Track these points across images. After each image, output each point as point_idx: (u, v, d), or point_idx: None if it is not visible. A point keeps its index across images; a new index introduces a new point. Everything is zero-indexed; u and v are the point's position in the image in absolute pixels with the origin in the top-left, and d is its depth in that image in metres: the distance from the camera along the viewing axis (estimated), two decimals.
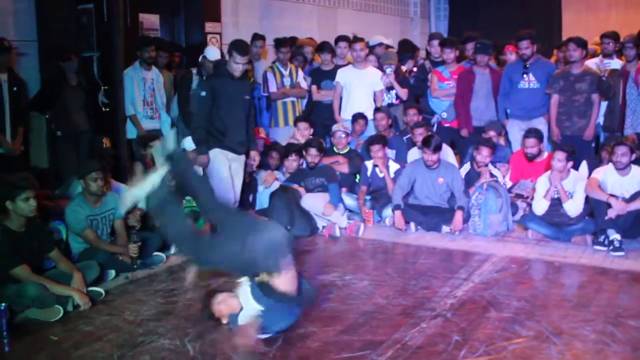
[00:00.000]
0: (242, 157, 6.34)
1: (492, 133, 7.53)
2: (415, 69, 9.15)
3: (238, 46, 6.02)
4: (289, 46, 8.41)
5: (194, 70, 7.69)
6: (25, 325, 4.53)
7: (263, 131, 7.83)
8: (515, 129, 7.80)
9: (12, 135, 6.57)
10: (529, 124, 7.57)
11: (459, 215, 6.67)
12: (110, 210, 5.73)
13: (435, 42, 8.79)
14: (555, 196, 6.39)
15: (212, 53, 7.59)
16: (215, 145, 6.15)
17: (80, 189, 5.78)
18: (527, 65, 7.72)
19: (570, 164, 6.39)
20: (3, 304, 4.25)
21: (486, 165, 6.97)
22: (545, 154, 7.18)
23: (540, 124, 7.65)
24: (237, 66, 5.98)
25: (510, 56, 8.39)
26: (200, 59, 7.60)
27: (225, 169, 6.14)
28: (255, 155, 6.56)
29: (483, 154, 6.94)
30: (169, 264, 5.85)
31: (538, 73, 7.71)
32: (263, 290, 4.15)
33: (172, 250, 6.13)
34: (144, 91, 7.58)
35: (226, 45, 8.94)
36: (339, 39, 8.57)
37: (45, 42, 7.22)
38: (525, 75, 7.75)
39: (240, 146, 6.25)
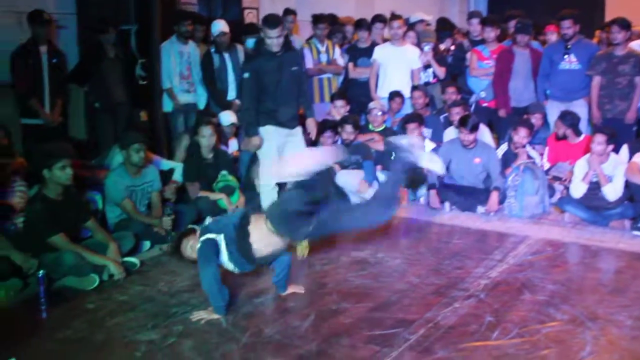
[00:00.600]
0: (298, 130, 6.20)
1: (537, 116, 7.43)
2: (452, 48, 9.03)
3: (267, 20, 5.90)
4: (326, 22, 8.35)
5: (212, 49, 7.68)
6: (62, 292, 4.61)
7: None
8: (555, 111, 7.66)
9: (51, 107, 6.64)
10: (569, 105, 7.43)
11: (494, 196, 6.60)
12: (148, 182, 5.79)
13: (475, 21, 8.65)
14: (594, 179, 6.28)
15: (217, 26, 7.61)
16: (266, 122, 5.99)
17: (120, 160, 5.84)
18: (569, 46, 7.56)
19: (611, 147, 6.26)
20: (41, 272, 4.32)
21: (524, 147, 6.87)
22: (582, 136, 7.05)
23: (580, 106, 7.50)
24: (272, 41, 5.87)
25: (552, 36, 8.23)
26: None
27: (274, 147, 6.00)
28: (311, 123, 6.37)
29: (521, 135, 6.83)
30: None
31: (580, 54, 7.54)
32: (240, 250, 4.07)
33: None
34: (181, 65, 7.61)
35: None
36: (375, 19, 8.47)
37: (84, 14, 7.28)
38: (566, 56, 7.59)
39: (292, 121, 6.11)
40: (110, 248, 4.93)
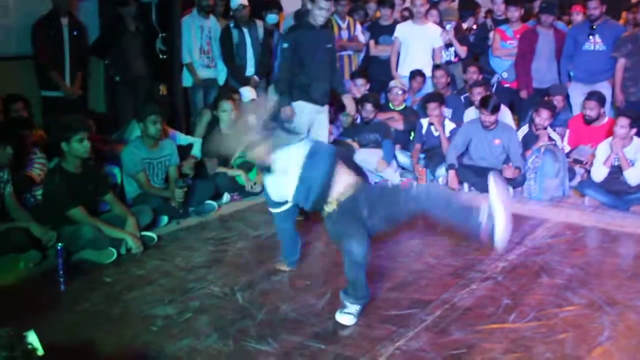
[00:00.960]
0: (326, 108, 6.23)
1: (558, 98, 7.34)
2: (474, 27, 8.93)
3: None
4: None
5: (232, 23, 7.64)
6: (80, 265, 4.64)
7: None
8: (578, 93, 7.56)
9: (71, 79, 6.65)
10: (593, 87, 7.32)
11: (513, 169, 6.54)
12: (166, 156, 5.79)
13: (499, 0, 8.54)
14: (616, 163, 6.21)
15: (235, 2, 7.56)
16: (299, 97, 6.05)
17: (138, 133, 5.84)
18: (594, 26, 7.45)
19: (634, 131, 6.18)
20: (60, 244, 4.34)
21: (545, 129, 6.80)
22: (606, 119, 6.96)
23: (604, 88, 7.39)
24: (321, 12, 5.81)
25: (577, 17, 8.11)
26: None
27: (305, 122, 6.03)
28: (347, 100, 6.42)
29: (542, 117, 6.75)
30: (220, 213, 5.90)
31: (605, 35, 7.43)
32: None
33: (224, 199, 6.19)
34: (201, 39, 7.57)
35: None
36: None
37: None
38: (591, 37, 7.48)
39: (323, 97, 6.14)
40: (129, 222, 4.94)
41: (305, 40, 5.91)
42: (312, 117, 6.05)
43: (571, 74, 7.77)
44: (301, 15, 6.25)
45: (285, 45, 5.97)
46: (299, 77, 5.98)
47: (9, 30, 6.58)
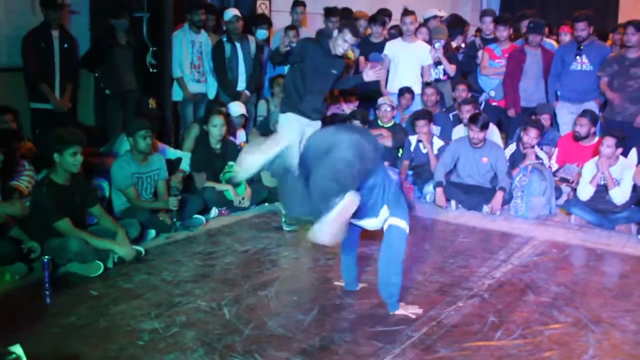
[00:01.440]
0: (318, 123, 6.26)
1: (545, 116, 7.40)
2: (463, 45, 9.00)
3: (353, 26, 5.98)
4: (338, 16, 8.33)
5: (224, 37, 7.68)
6: (67, 278, 4.62)
7: None
8: (565, 112, 7.64)
9: (61, 91, 6.64)
10: (580, 107, 7.40)
11: (499, 196, 6.59)
12: (155, 170, 5.79)
13: (488, 19, 8.62)
14: (602, 182, 6.26)
15: (230, 12, 7.65)
16: (288, 109, 6.17)
17: (127, 147, 5.84)
18: (582, 47, 7.53)
19: (620, 150, 6.24)
20: (46, 257, 4.33)
21: (532, 147, 6.85)
22: (596, 139, 7.01)
23: (591, 107, 7.46)
24: (344, 44, 5.92)
25: (565, 37, 8.20)
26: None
27: (295, 134, 6.05)
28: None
29: (530, 135, 6.81)
30: (208, 227, 5.90)
31: (592, 56, 7.51)
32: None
33: (212, 213, 6.19)
34: (192, 54, 7.59)
35: (276, 12, 9.01)
36: (381, 12, 8.51)
37: (96, 0, 7.26)
38: (578, 57, 7.57)
39: (315, 113, 6.19)
40: (119, 234, 4.94)
41: (314, 55, 5.98)
42: (302, 129, 6.09)
43: (558, 93, 7.84)
44: (322, 34, 6.36)
45: (294, 45, 6.07)
46: (296, 86, 6.08)
47: None
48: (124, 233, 4.98)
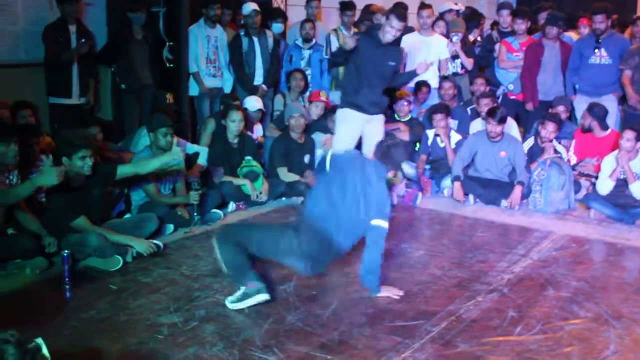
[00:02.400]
0: (377, 117, 6.29)
1: (561, 109, 7.33)
2: (479, 39, 8.95)
3: (397, 11, 5.98)
4: (354, 10, 8.31)
5: (242, 32, 7.67)
6: (87, 272, 4.64)
7: (324, 94, 7.75)
8: (583, 106, 7.56)
9: (80, 86, 6.66)
10: (599, 101, 7.32)
11: (518, 191, 6.55)
12: (174, 166, 5.77)
13: (506, 12, 8.56)
14: (622, 177, 6.21)
15: (249, 6, 7.64)
16: (346, 105, 6.24)
17: (145, 143, 5.85)
18: (600, 40, 7.46)
19: None
20: (66, 252, 4.35)
21: (551, 141, 6.80)
22: (609, 131, 6.96)
23: (610, 101, 7.40)
24: (391, 30, 5.91)
25: (585, 30, 8.13)
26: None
27: (352, 129, 6.21)
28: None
29: (549, 130, 6.76)
30: (226, 222, 5.90)
31: (611, 49, 7.44)
32: None
33: (230, 208, 6.20)
34: (208, 49, 7.61)
35: (292, 7, 9.00)
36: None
37: None
38: (597, 51, 7.50)
39: (372, 107, 6.21)
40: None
41: (366, 49, 6.02)
42: (361, 124, 6.18)
43: (577, 87, 7.77)
44: (374, 27, 6.37)
45: (354, 40, 6.13)
46: (353, 82, 6.15)
47: (17, 37, 6.61)
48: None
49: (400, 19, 5.87)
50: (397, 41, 6.32)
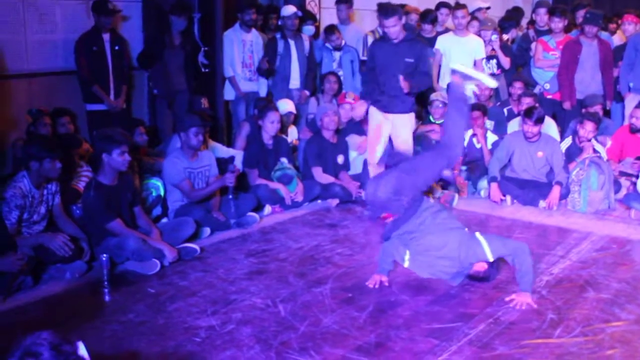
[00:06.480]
0: (403, 116, 6.29)
1: (597, 108, 7.22)
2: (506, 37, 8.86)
3: (379, 9, 6.11)
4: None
5: (278, 35, 7.70)
6: (124, 276, 4.70)
7: (350, 95, 7.67)
8: (634, 104, 7.33)
9: (115, 92, 6.75)
10: None
11: (556, 191, 6.46)
12: (205, 166, 5.83)
13: (542, 10, 8.46)
14: None
15: (289, 9, 7.66)
16: (373, 104, 6.34)
17: (178, 145, 5.90)
18: None
19: None
20: (105, 255, 4.41)
21: (589, 140, 6.70)
22: None
23: None
24: (387, 30, 6.02)
25: (629, 26, 7.98)
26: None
27: (375, 126, 6.30)
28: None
29: (587, 129, 6.66)
30: (261, 225, 5.92)
31: None
32: None
33: (265, 211, 6.22)
34: (243, 53, 7.65)
35: (325, 9, 9.02)
36: (440, 5, 8.40)
37: (149, 2, 7.35)
38: None
39: (393, 106, 6.22)
40: (153, 233, 5.01)
41: (380, 52, 6.17)
42: (386, 123, 6.26)
43: (630, 85, 7.61)
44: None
45: (366, 55, 6.31)
46: (378, 84, 6.25)
47: (56, 45, 6.72)
48: (159, 234, 5.04)
49: (382, 14, 5.96)
50: (415, 37, 6.43)
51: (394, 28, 5.97)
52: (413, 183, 4.32)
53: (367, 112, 6.58)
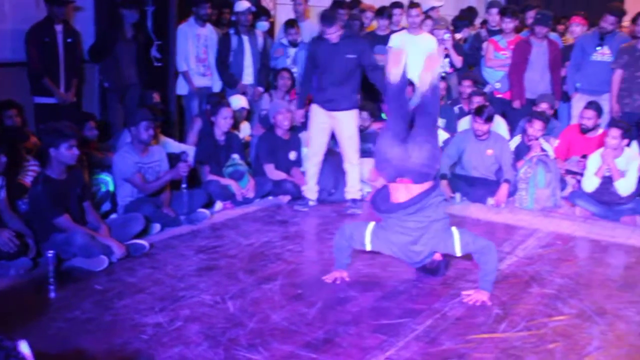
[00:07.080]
0: (343, 113, 6.24)
1: (544, 106, 7.35)
2: (459, 36, 8.97)
3: (321, 18, 6.07)
4: (347, 9, 8.31)
5: (232, 30, 7.66)
6: (71, 273, 4.62)
7: None
8: (582, 104, 7.47)
9: (66, 85, 6.64)
10: (597, 99, 7.23)
11: (504, 188, 6.58)
12: (156, 161, 5.77)
13: (494, 11, 8.58)
14: (607, 174, 6.24)
15: (243, 4, 7.60)
16: (314, 101, 6.33)
17: (129, 140, 5.83)
18: (603, 37, 7.46)
19: (625, 141, 6.22)
20: (51, 251, 4.34)
21: (537, 139, 6.83)
22: (600, 131, 6.98)
23: (607, 100, 7.38)
24: (328, 37, 6.01)
25: (576, 28, 8.15)
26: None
27: (316, 124, 6.29)
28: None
29: (535, 128, 6.78)
30: (212, 221, 5.90)
31: (614, 46, 7.40)
32: None
33: (216, 207, 6.19)
34: (198, 48, 7.58)
35: (280, 5, 9.00)
36: (394, 5, 8.46)
37: None
38: (599, 48, 7.50)
39: (333, 104, 6.20)
40: (102, 231, 4.96)
41: (320, 51, 6.12)
42: (327, 120, 6.25)
43: (578, 85, 7.76)
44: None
45: (305, 54, 6.28)
46: (317, 83, 6.26)
47: (3, 35, 6.56)
48: (107, 230, 4.99)
49: (325, 23, 5.98)
50: (357, 34, 6.57)
51: (335, 34, 6.00)
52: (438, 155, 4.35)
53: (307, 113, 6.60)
